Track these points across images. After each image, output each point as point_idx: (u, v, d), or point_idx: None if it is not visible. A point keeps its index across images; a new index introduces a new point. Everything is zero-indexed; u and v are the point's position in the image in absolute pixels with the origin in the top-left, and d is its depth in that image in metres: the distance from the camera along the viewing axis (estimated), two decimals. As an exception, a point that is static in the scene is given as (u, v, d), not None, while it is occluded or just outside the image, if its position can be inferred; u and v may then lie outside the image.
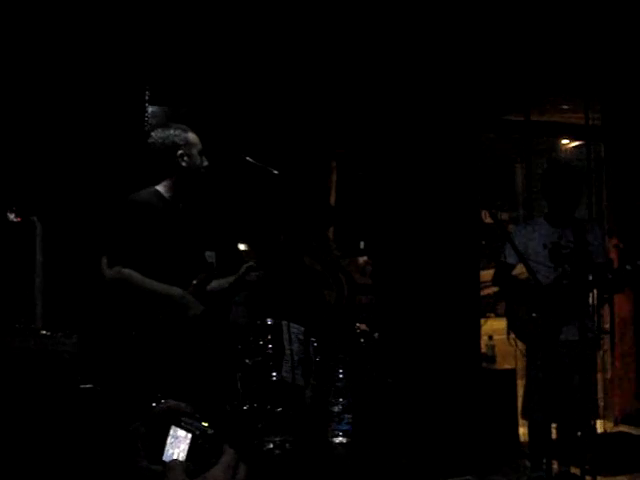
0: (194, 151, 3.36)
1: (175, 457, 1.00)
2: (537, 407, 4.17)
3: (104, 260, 3.15)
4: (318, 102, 5.13)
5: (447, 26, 5.15)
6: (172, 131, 3.35)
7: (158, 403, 1.06)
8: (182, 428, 1.01)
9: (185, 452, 0.99)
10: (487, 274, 6.07)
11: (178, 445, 1.00)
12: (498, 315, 6.37)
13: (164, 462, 1.00)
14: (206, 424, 1.00)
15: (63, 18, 4.43)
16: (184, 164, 3.33)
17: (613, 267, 4.31)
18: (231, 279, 3.56)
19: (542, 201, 4.84)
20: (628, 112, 6.01)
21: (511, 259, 4.23)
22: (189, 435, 0.99)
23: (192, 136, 3.39)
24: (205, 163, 3.40)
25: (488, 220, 5.66)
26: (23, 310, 3.72)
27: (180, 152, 3.32)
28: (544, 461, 3.93)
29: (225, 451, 0.99)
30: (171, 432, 1.02)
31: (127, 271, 3.12)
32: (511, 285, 4.28)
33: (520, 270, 4.42)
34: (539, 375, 4.11)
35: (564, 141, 7.07)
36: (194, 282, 3.20)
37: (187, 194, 3.40)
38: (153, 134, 3.39)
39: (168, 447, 1.01)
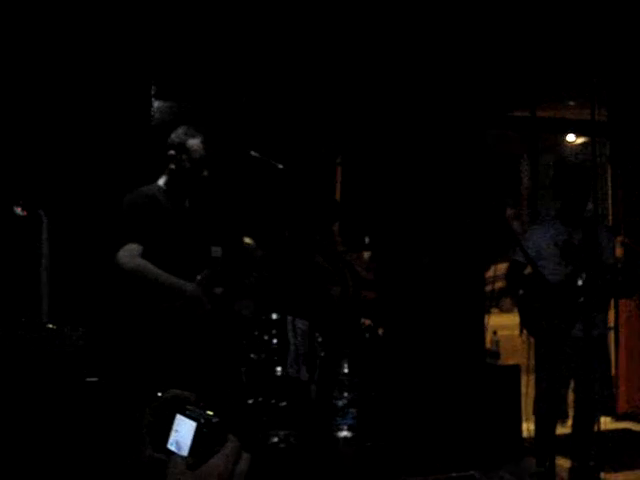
0: (186, 156, 3.35)
1: (179, 445, 1.01)
2: (543, 403, 4.18)
3: (120, 252, 3.13)
4: (323, 97, 5.12)
5: (453, 22, 5.14)
6: (180, 130, 3.36)
7: (164, 392, 1.07)
8: (187, 416, 1.01)
9: (190, 440, 1.00)
10: (491, 270, 6.07)
11: (183, 433, 1.01)
12: (502, 311, 6.37)
13: (168, 450, 1.01)
14: (211, 413, 1.01)
15: (70, 14, 4.43)
16: (173, 167, 3.33)
17: (619, 267, 4.32)
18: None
19: (547, 197, 4.84)
20: (635, 109, 5.99)
21: (522, 258, 4.25)
22: (194, 423, 1.00)
23: (193, 143, 3.36)
24: (204, 173, 3.37)
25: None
26: (29, 304, 3.73)
27: (171, 153, 3.32)
28: (548, 457, 3.93)
29: (228, 440, 1.00)
30: (176, 420, 1.02)
31: (144, 262, 3.13)
32: (522, 283, 4.30)
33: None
34: (546, 371, 4.12)
35: (570, 138, 7.06)
36: (198, 277, 3.21)
37: (182, 194, 3.40)
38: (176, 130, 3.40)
39: (173, 435, 1.02)
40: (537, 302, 4.15)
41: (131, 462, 1.02)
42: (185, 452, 1.00)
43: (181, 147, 3.34)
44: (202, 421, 0.99)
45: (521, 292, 4.39)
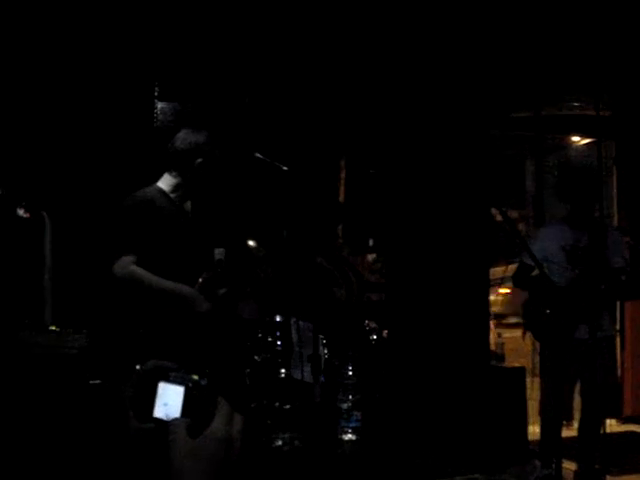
0: (209, 163, 3.33)
1: (168, 412, 0.99)
2: (549, 405, 4.17)
3: (118, 261, 3.12)
4: (327, 99, 5.12)
5: (457, 23, 5.12)
6: (199, 136, 3.32)
7: (142, 365, 1.06)
8: (172, 382, 1.00)
9: (180, 405, 0.98)
10: (496, 271, 6.05)
11: (170, 399, 0.99)
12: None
13: (155, 419, 0.99)
14: (196, 376, 1.00)
15: (74, 16, 4.43)
16: (198, 171, 3.30)
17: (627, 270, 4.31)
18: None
19: (552, 199, 4.83)
20: (639, 109, 5.97)
21: (530, 260, 4.26)
22: (181, 388, 0.99)
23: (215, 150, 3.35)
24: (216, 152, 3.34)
25: (498, 218, 5.65)
26: (32, 306, 3.73)
27: (198, 161, 3.30)
28: (554, 460, 3.91)
29: (219, 403, 0.99)
30: (159, 390, 1.01)
31: (137, 270, 3.11)
32: (530, 286, 4.32)
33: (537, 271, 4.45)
34: (551, 374, 4.11)
35: (574, 138, 7.04)
36: (200, 280, 3.19)
37: (187, 196, 3.38)
38: (181, 133, 3.35)
39: (158, 404, 1.00)
40: (543, 305, 4.15)
41: (119, 438, 1.01)
42: (177, 417, 0.98)
43: (207, 153, 3.29)
44: (190, 385, 0.99)
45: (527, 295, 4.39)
